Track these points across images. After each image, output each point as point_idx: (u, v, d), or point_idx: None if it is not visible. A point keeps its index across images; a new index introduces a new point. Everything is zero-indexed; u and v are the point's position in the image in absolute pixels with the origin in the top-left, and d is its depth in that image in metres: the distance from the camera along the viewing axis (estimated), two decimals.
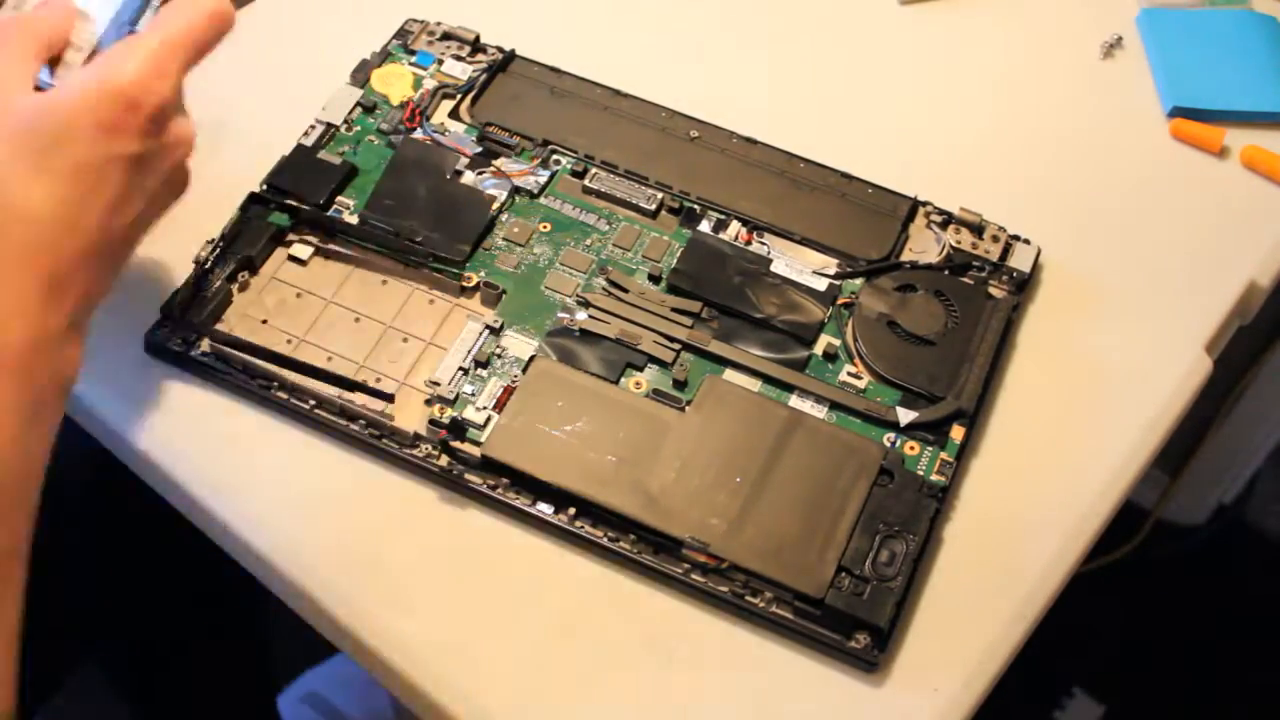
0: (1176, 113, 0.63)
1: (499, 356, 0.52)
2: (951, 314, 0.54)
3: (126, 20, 0.44)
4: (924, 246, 0.57)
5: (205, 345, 0.51)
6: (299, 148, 0.57)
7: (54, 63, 0.43)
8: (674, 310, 0.53)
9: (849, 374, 0.52)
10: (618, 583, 0.48)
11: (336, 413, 0.50)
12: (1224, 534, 1.19)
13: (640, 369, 0.52)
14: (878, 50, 0.67)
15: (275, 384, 0.51)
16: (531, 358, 0.51)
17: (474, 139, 0.58)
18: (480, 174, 0.57)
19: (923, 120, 0.64)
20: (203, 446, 0.50)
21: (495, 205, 0.56)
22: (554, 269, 0.54)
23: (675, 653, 0.46)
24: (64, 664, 0.71)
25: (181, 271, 0.52)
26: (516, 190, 0.57)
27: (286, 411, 0.50)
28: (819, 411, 0.51)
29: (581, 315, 0.53)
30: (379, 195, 0.56)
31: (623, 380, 0.51)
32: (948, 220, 0.57)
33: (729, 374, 0.52)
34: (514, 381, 0.51)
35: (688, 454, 0.49)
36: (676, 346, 0.52)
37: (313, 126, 0.58)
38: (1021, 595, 0.48)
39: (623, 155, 0.58)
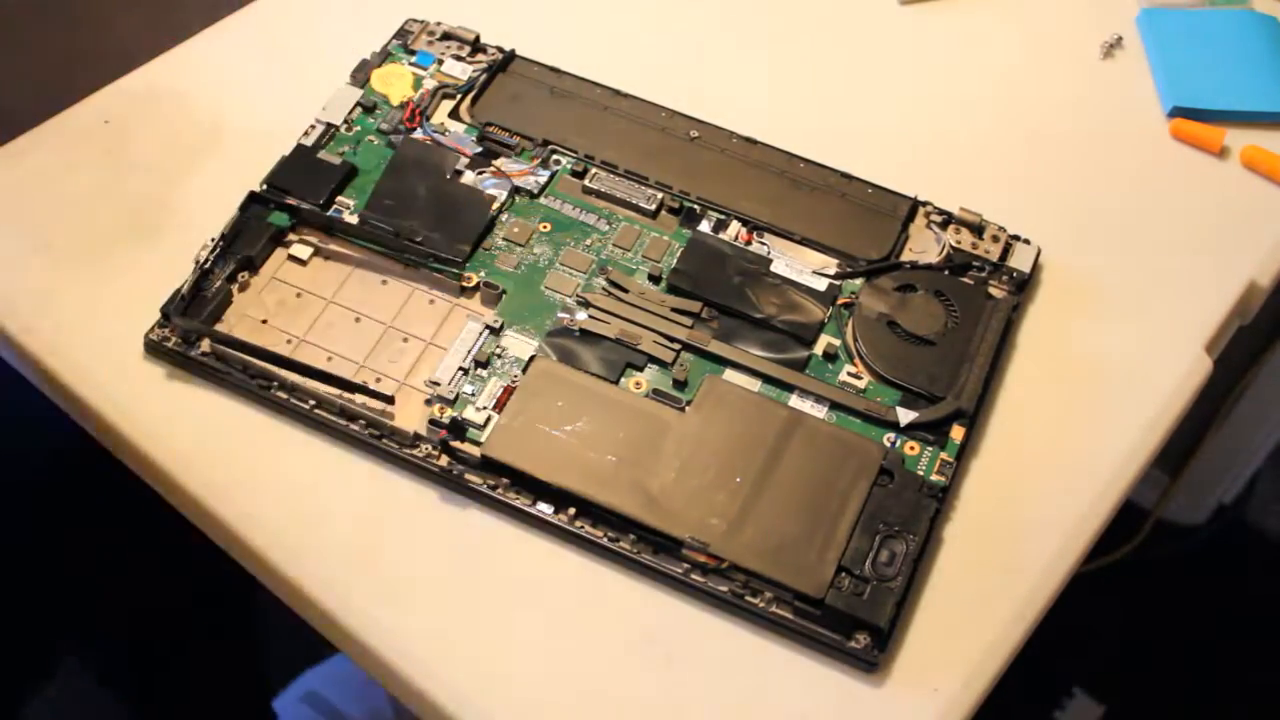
0: (1176, 113, 0.63)
1: (499, 356, 0.52)
2: (951, 314, 0.54)
3: None
4: (924, 246, 0.57)
5: (205, 345, 0.51)
6: (299, 148, 0.57)
7: None
8: (674, 310, 0.53)
9: (849, 374, 0.52)
10: (617, 582, 0.48)
11: (336, 413, 0.50)
12: (1224, 534, 1.19)
13: (640, 369, 0.51)
14: (878, 50, 0.67)
15: (275, 384, 0.51)
16: (531, 358, 0.51)
17: (474, 139, 0.58)
18: (480, 174, 0.57)
19: (923, 120, 0.64)
20: (202, 446, 0.50)
21: (495, 205, 0.56)
22: (554, 269, 0.54)
23: (675, 652, 0.46)
24: (55, 656, 0.71)
25: (181, 271, 0.52)
26: (516, 190, 0.57)
27: (286, 412, 0.50)
28: (819, 411, 0.51)
29: (581, 315, 0.53)
30: (379, 195, 0.56)
31: (623, 380, 0.51)
32: (948, 220, 0.57)
33: (729, 374, 0.52)
34: (514, 381, 0.51)
35: (688, 454, 0.49)
36: (676, 346, 0.52)
37: (313, 126, 0.58)
38: (1021, 595, 0.48)
39: (623, 155, 0.58)
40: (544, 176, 0.57)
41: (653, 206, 0.56)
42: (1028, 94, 0.65)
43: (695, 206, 0.57)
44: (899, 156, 0.61)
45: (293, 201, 0.55)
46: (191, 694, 0.84)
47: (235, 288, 0.53)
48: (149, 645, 0.79)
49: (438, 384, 0.50)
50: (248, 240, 0.54)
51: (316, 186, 0.56)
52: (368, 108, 0.59)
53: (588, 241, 0.55)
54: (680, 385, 0.51)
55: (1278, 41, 0.66)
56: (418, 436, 0.49)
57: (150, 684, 0.82)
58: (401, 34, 0.62)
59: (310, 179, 0.56)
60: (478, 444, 0.49)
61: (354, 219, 0.55)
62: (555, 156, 0.58)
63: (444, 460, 0.49)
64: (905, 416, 0.51)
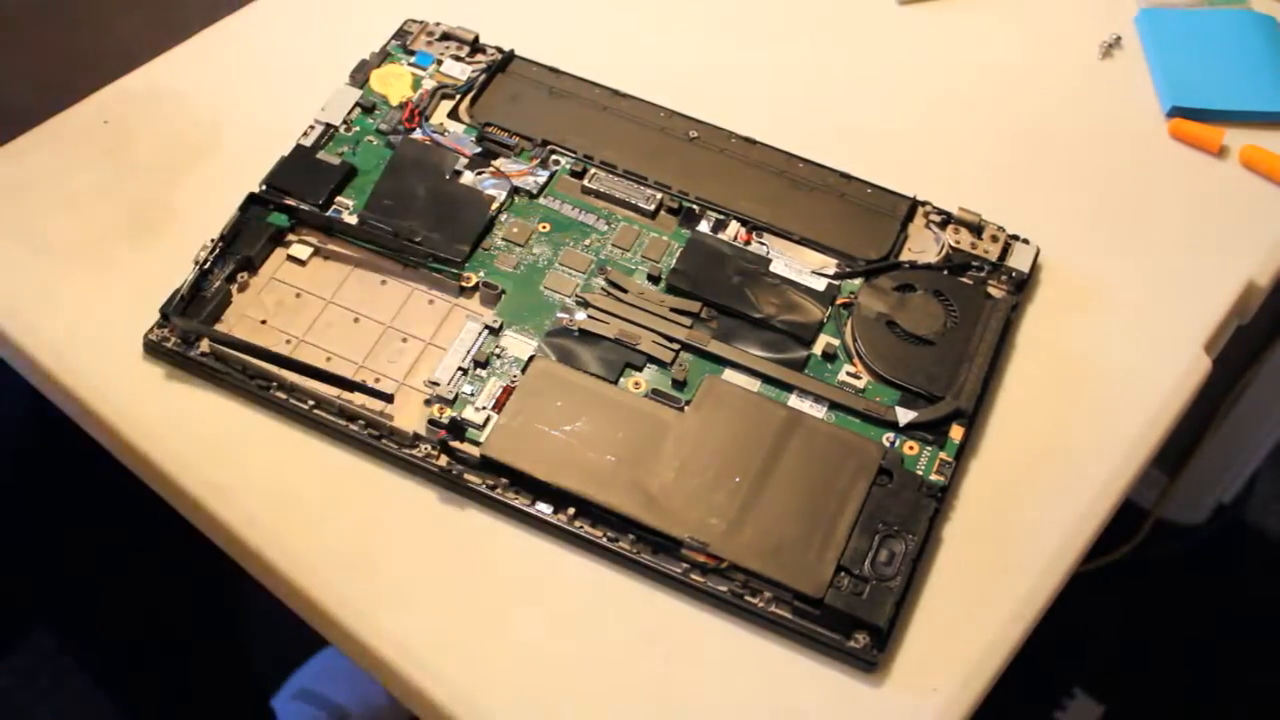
0: (1175, 112, 0.63)
1: (498, 356, 0.52)
2: (950, 314, 0.54)
3: None
4: (923, 246, 0.57)
5: (204, 345, 0.51)
6: (298, 148, 0.57)
7: None
8: (673, 310, 0.53)
9: (848, 374, 0.52)
10: (616, 582, 0.48)
11: (336, 413, 0.50)
12: (1223, 533, 1.19)
13: (639, 369, 0.52)
14: (877, 50, 0.67)
15: (274, 384, 0.51)
16: (531, 358, 0.51)
17: (473, 139, 0.58)
18: (479, 174, 0.57)
19: (921, 120, 0.64)
20: (201, 447, 0.50)
21: (494, 205, 0.56)
22: (553, 269, 0.54)
23: (674, 652, 0.46)
24: (53, 656, 0.70)
25: (181, 272, 0.52)
26: (515, 190, 0.57)
27: (285, 411, 0.50)
28: (818, 411, 0.51)
29: (581, 315, 0.53)
30: (378, 195, 0.56)
31: (622, 380, 0.51)
32: (947, 220, 0.57)
33: (728, 374, 0.52)
34: (513, 381, 0.51)
35: (687, 454, 0.49)
36: (676, 346, 0.52)
37: (312, 127, 0.58)
38: (1021, 595, 0.48)
39: (622, 155, 0.58)
40: (543, 177, 0.57)
41: (652, 206, 0.56)
42: (1027, 94, 0.65)
43: (694, 206, 0.57)
44: (898, 156, 0.61)
45: (292, 202, 0.55)
46: (189, 694, 0.84)
47: (234, 288, 0.53)
48: (147, 645, 0.79)
49: (437, 384, 0.50)
50: (247, 240, 0.54)
51: (316, 187, 0.56)
52: (367, 108, 0.59)
53: (587, 241, 0.55)
54: (679, 385, 0.51)
55: (1276, 41, 0.66)
56: (417, 436, 0.49)
57: (148, 684, 0.82)
58: (400, 34, 0.62)
59: (309, 179, 0.56)
60: (477, 444, 0.49)
61: (353, 219, 0.55)
62: (554, 157, 0.58)
63: (443, 460, 0.49)
64: (904, 416, 0.51)
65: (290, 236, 0.55)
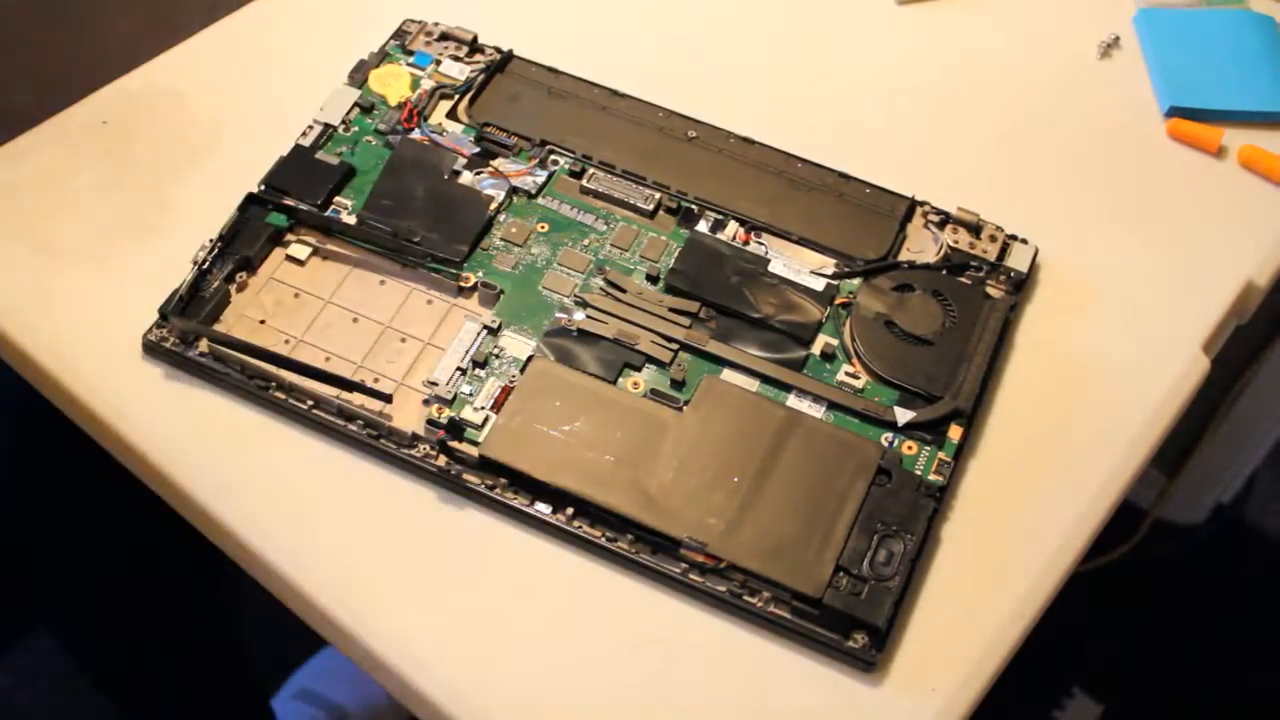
0: (1174, 112, 0.63)
1: (497, 356, 0.52)
2: (949, 314, 0.54)
3: None
4: (922, 246, 0.57)
5: (203, 345, 0.51)
6: (297, 148, 0.57)
7: None
8: (672, 310, 0.53)
9: (847, 374, 0.52)
10: (615, 582, 0.48)
11: (334, 413, 0.50)
12: (1222, 533, 1.19)
13: (638, 369, 0.52)
14: (875, 50, 0.67)
15: (273, 384, 0.51)
16: (529, 358, 0.51)
17: (472, 139, 0.59)
18: (478, 174, 0.57)
19: (920, 120, 0.64)
20: (201, 447, 0.50)
21: (493, 205, 0.56)
22: (552, 269, 0.54)
23: (673, 652, 0.46)
24: (51, 656, 0.70)
25: (179, 272, 0.52)
26: (514, 190, 0.57)
27: (284, 412, 0.51)
28: (817, 411, 0.51)
29: (579, 315, 0.53)
30: (377, 195, 0.56)
31: (621, 380, 0.51)
32: (945, 220, 0.57)
33: (727, 374, 0.52)
34: (512, 381, 0.51)
35: (685, 454, 0.49)
36: (674, 346, 0.52)
37: (310, 127, 0.58)
38: (1020, 595, 0.48)
39: (620, 155, 0.58)
40: (542, 177, 0.57)
41: (650, 206, 0.57)
42: (1025, 94, 0.65)
43: (693, 206, 0.57)
44: (896, 156, 0.61)
45: (291, 202, 0.55)
46: (189, 694, 0.84)
47: (233, 288, 0.53)
48: (147, 645, 0.79)
49: (436, 384, 0.50)
50: (246, 240, 0.54)
51: (314, 187, 0.56)
52: (365, 108, 0.59)
53: (585, 241, 0.55)
54: (678, 385, 0.51)
55: (1275, 41, 0.66)
56: (415, 436, 0.49)
57: (148, 684, 0.82)
58: (399, 34, 0.62)
59: (308, 179, 0.56)
60: (476, 444, 0.49)
61: (352, 219, 0.55)
62: (553, 157, 0.58)
63: (442, 460, 0.49)
64: (903, 416, 0.51)
65: (289, 236, 0.55)
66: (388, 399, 0.49)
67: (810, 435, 0.50)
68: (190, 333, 0.51)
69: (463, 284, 0.54)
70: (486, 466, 0.49)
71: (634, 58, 0.64)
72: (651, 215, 0.57)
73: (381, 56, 0.61)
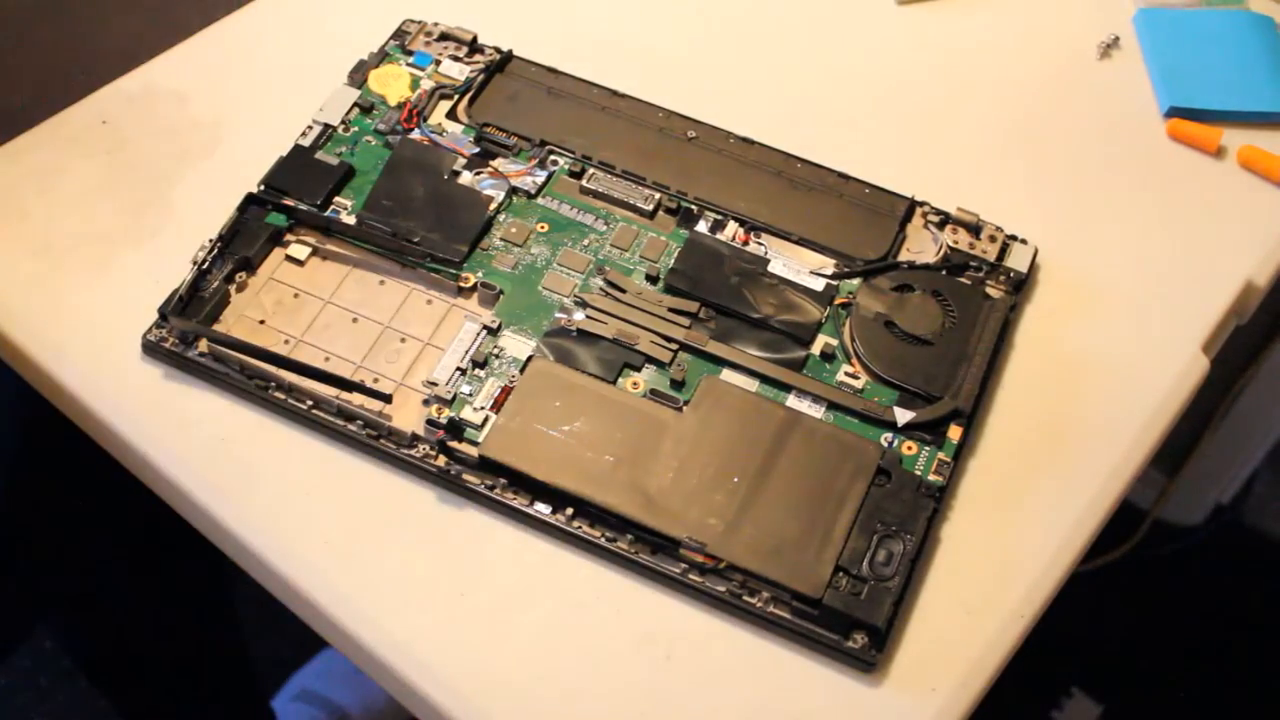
0: (1173, 113, 0.63)
1: (496, 357, 0.52)
2: (949, 314, 0.54)
3: None
4: (921, 246, 0.57)
5: (203, 346, 0.51)
6: (296, 148, 0.57)
7: None
8: (671, 310, 0.53)
9: (846, 374, 0.52)
10: (615, 582, 0.48)
11: (334, 413, 0.50)
12: (1222, 534, 1.19)
13: (638, 369, 0.52)
14: (875, 50, 0.67)
15: (273, 384, 0.51)
16: (529, 358, 0.51)
17: (471, 139, 0.59)
18: (478, 174, 0.57)
19: (920, 120, 0.64)
20: (200, 447, 0.50)
21: (493, 206, 0.56)
22: (551, 269, 0.54)
23: (673, 653, 0.46)
24: (49, 657, 0.70)
25: (179, 272, 0.52)
26: (514, 190, 0.57)
27: (284, 412, 0.51)
28: (816, 411, 0.51)
29: (579, 315, 0.53)
30: (376, 195, 0.56)
31: (620, 380, 0.51)
32: (945, 220, 0.57)
33: (726, 374, 0.52)
34: (511, 382, 0.51)
35: (685, 454, 0.49)
36: (674, 346, 0.52)
37: (310, 127, 0.58)
38: (1019, 595, 0.48)
39: (620, 155, 0.58)
40: (541, 177, 0.57)
41: (650, 207, 0.57)
42: (1025, 94, 0.65)
43: (692, 207, 0.57)
44: (896, 156, 0.61)
45: (290, 202, 0.55)
46: (189, 694, 0.84)
47: (233, 288, 0.53)
48: (147, 645, 0.79)
49: (435, 384, 0.50)
50: (245, 240, 0.54)
51: (314, 187, 0.56)
52: (365, 108, 0.59)
53: (585, 242, 0.55)
54: (678, 385, 0.51)
55: (1274, 41, 0.66)
56: (415, 437, 0.49)
57: (148, 684, 0.82)
58: (399, 34, 0.62)
59: (308, 179, 0.56)
60: (475, 444, 0.49)
61: (351, 219, 0.55)
62: (553, 157, 0.58)
63: (441, 460, 0.49)
64: (903, 416, 0.51)
65: (289, 236, 0.55)
66: (387, 399, 0.49)
67: (810, 435, 0.50)
68: (190, 333, 0.51)
69: (462, 284, 0.54)
70: (486, 467, 0.49)
71: (634, 58, 0.64)
72: (651, 215, 0.57)
73: (381, 56, 0.61)
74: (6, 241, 0.55)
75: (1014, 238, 0.57)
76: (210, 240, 0.53)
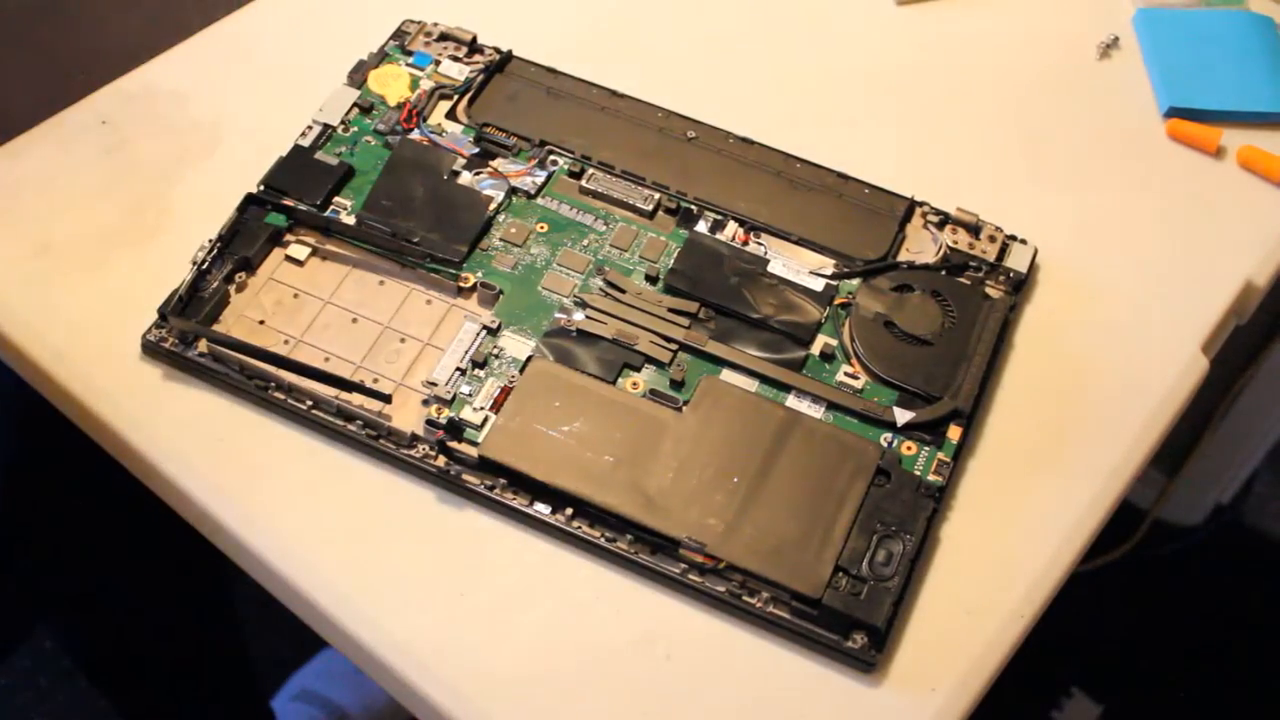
0: (1173, 113, 0.63)
1: (496, 357, 0.52)
2: (948, 314, 0.54)
3: None
4: (921, 247, 0.57)
5: (202, 346, 0.51)
6: (296, 148, 0.57)
7: None
8: (671, 310, 0.53)
9: (846, 374, 0.52)
10: (615, 582, 0.48)
11: (334, 413, 0.50)
12: (1221, 534, 1.19)
13: (637, 369, 0.52)
14: (875, 50, 0.67)
15: (272, 384, 0.51)
16: (529, 358, 0.51)
17: (471, 139, 0.59)
18: (477, 174, 0.57)
19: (919, 120, 0.64)
20: (200, 447, 0.50)
21: (492, 206, 0.56)
22: (551, 269, 0.54)
23: (672, 653, 0.46)
24: (48, 657, 0.70)
25: (179, 272, 0.52)
26: (513, 191, 0.57)
27: (284, 412, 0.51)
28: (816, 411, 0.51)
29: (579, 315, 0.53)
30: (376, 196, 0.56)
31: (620, 380, 0.51)
32: (944, 220, 0.57)
33: (726, 374, 0.52)
34: (511, 382, 0.51)
35: (685, 454, 0.49)
36: (674, 347, 0.52)
37: (310, 127, 0.58)
38: (1019, 595, 0.48)
39: (620, 156, 0.58)
40: (541, 177, 0.57)
41: (650, 207, 0.57)
42: (1024, 94, 0.65)
43: (692, 207, 0.57)
44: (896, 157, 0.61)
45: (290, 202, 0.55)
46: (189, 694, 0.84)
47: (232, 288, 0.53)
48: (147, 645, 0.79)
49: (435, 384, 0.50)
50: (245, 241, 0.54)
51: (314, 187, 0.56)
52: (365, 108, 0.59)
53: (585, 242, 0.55)
54: (677, 385, 0.51)
55: (1274, 41, 0.66)
56: (415, 437, 0.49)
57: (148, 684, 0.82)
58: (398, 34, 0.62)
59: (307, 179, 0.56)
60: (475, 444, 0.49)
61: (351, 219, 0.55)
62: (552, 157, 0.58)
63: (441, 460, 0.49)
64: (902, 416, 0.51)
65: (288, 237, 0.55)
66: (387, 399, 0.49)
67: (809, 436, 0.50)
68: (189, 333, 0.51)
69: (462, 284, 0.54)
70: (486, 467, 0.49)
71: (634, 58, 0.64)
72: (651, 215, 0.57)
73: (381, 57, 0.61)
74: (6, 241, 0.55)
75: (1014, 238, 0.57)
76: (210, 240, 0.53)
